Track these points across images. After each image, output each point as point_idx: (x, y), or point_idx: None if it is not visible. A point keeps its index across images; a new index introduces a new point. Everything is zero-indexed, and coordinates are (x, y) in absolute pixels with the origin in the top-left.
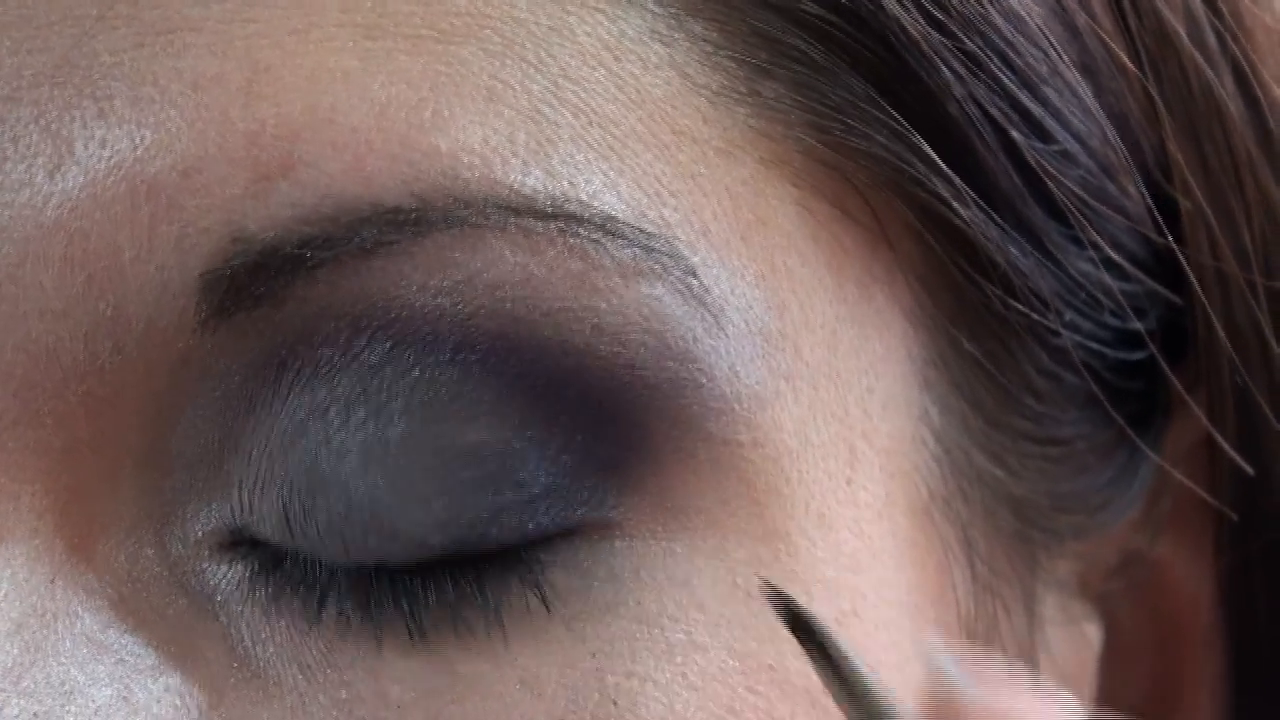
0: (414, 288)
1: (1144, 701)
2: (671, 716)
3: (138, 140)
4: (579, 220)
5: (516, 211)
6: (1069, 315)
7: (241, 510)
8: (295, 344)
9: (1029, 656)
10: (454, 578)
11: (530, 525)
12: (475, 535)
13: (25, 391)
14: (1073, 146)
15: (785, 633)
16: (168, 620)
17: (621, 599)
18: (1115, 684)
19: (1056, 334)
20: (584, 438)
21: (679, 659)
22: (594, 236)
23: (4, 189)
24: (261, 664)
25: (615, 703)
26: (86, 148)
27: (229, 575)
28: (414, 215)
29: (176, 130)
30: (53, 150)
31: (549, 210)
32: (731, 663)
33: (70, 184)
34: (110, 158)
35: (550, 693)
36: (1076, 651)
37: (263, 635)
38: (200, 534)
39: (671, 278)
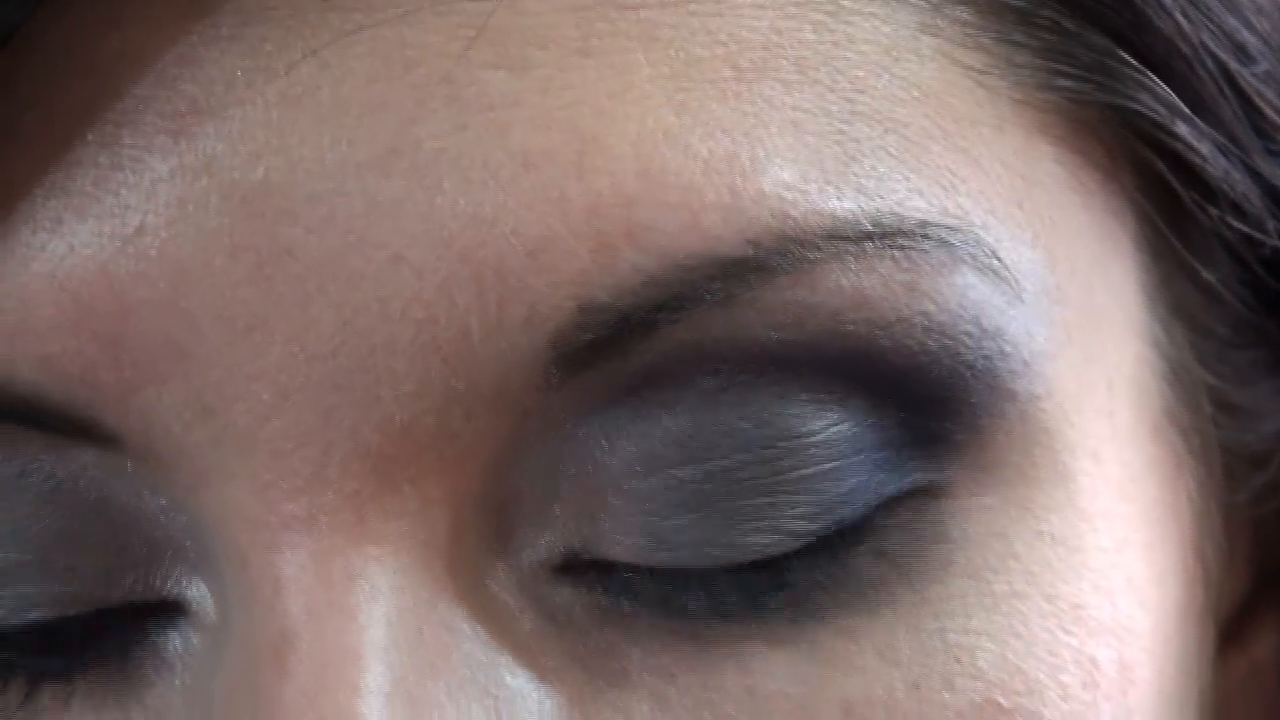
0: (756, 329)
1: None
2: (1005, 666)
3: (477, 225)
4: (898, 232)
5: (843, 237)
6: (1272, 224)
7: (581, 535)
8: (636, 386)
9: (1232, 546)
10: (808, 562)
11: (871, 496)
12: (834, 519)
13: (383, 465)
14: (1271, 64)
15: (1086, 571)
16: (518, 641)
17: (952, 557)
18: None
19: (1261, 244)
20: (914, 418)
21: (1004, 609)
22: (913, 244)
23: (342, 283)
24: (616, 674)
25: (959, 660)
26: (425, 237)
27: (571, 595)
28: (753, 263)
29: (515, 211)
30: (390, 240)
31: (871, 229)
32: (1047, 607)
33: (413, 274)
34: (451, 244)
35: (905, 659)
36: (1248, 511)
37: (617, 647)
38: (538, 560)
39: (979, 263)
